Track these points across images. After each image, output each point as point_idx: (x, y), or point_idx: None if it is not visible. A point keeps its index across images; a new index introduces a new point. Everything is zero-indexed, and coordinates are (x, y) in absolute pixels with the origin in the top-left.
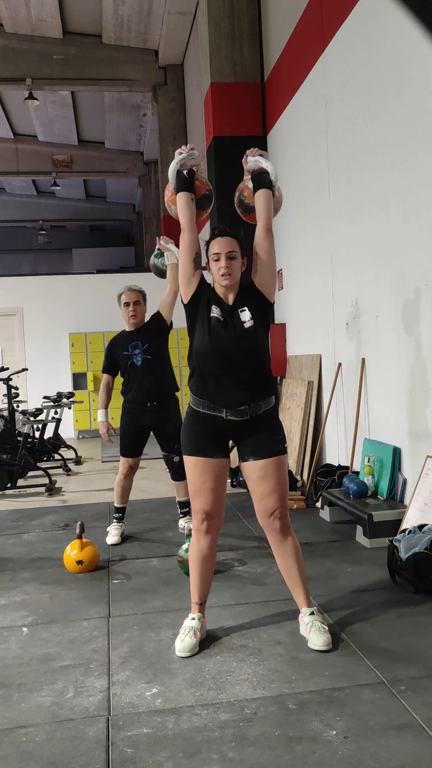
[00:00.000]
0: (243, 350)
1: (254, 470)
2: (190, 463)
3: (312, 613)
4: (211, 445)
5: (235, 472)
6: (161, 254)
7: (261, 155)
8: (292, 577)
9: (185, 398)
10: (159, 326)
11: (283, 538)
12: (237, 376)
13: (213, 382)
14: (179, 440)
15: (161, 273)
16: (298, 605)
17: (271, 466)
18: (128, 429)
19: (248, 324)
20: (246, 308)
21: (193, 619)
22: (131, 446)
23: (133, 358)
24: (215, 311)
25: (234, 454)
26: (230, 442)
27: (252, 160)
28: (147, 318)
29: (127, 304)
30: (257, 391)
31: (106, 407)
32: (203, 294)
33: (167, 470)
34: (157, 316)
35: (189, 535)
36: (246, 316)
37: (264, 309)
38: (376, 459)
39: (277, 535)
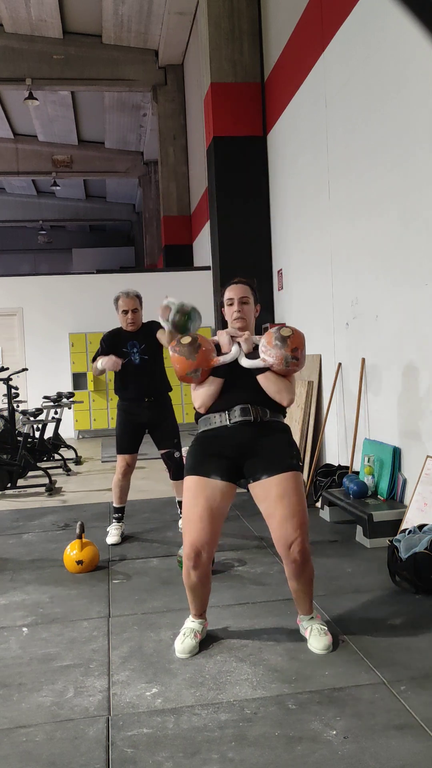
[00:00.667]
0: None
1: (269, 489)
2: (186, 484)
3: (311, 618)
4: (210, 464)
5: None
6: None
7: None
8: (300, 596)
9: (185, 398)
10: (154, 335)
11: (302, 570)
12: (243, 385)
13: (219, 398)
14: (177, 434)
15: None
16: (298, 612)
17: (287, 483)
18: (125, 426)
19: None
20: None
21: (194, 621)
22: (127, 443)
23: (131, 356)
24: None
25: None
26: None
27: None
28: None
29: (125, 312)
30: (261, 396)
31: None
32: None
33: (167, 470)
34: (155, 328)
35: None
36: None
37: None
38: (376, 459)
39: (295, 566)
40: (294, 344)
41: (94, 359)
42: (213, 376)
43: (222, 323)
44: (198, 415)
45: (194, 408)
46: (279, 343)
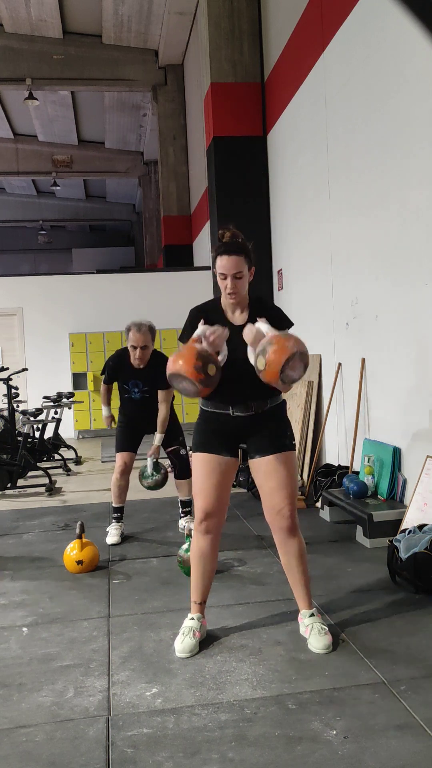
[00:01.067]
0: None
1: (261, 466)
2: (196, 460)
3: (312, 615)
4: (218, 442)
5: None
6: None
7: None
8: (294, 577)
9: (186, 398)
10: (162, 375)
11: (289, 538)
12: (244, 378)
13: (221, 386)
14: (182, 432)
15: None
16: (298, 605)
17: (277, 461)
18: (125, 426)
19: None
20: (264, 320)
21: (193, 619)
22: (126, 441)
23: (131, 393)
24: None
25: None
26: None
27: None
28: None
29: (134, 348)
30: (263, 390)
31: (108, 404)
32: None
33: (170, 470)
34: (161, 370)
35: (189, 535)
36: (264, 327)
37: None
38: (376, 459)
39: (282, 534)
40: (267, 378)
41: (103, 372)
42: None
43: (216, 288)
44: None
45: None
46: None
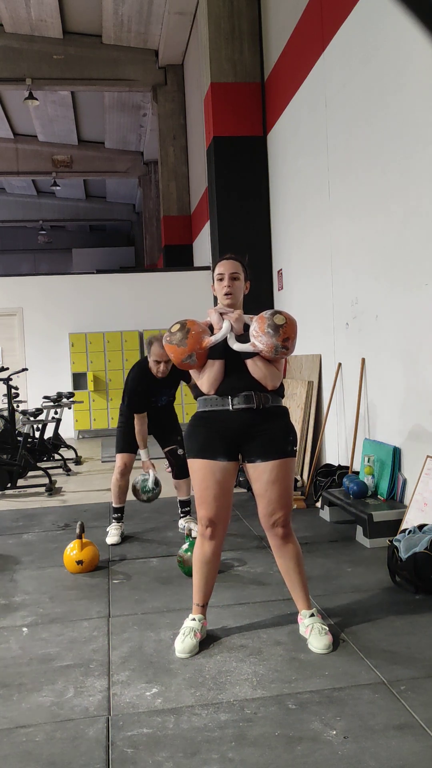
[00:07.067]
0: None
1: (263, 472)
2: (194, 467)
3: (312, 615)
4: (216, 446)
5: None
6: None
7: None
8: (292, 579)
9: (185, 398)
10: (183, 375)
11: (285, 543)
12: (243, 370)
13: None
14: (181, 432)
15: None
16: (297, 607)
17: (279, 469)
18: (127, 427)
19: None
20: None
21: (194, 619)
22: (128, 442)
23: (159, 402)
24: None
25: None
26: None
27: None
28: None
29: (158, 362)
30: (262, 385)
31: (146, 446)
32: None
33: (168, 470)
34: (182, 371)
35: (189, 535)
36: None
37: None
38: (376, 459)
39: (279, 539)
40: (286, 334)
41: (135, 411)
42: (212, 359)
43: (213, 299)
44: (197, 394)
45: (199, 389)
46: (271, 332)
